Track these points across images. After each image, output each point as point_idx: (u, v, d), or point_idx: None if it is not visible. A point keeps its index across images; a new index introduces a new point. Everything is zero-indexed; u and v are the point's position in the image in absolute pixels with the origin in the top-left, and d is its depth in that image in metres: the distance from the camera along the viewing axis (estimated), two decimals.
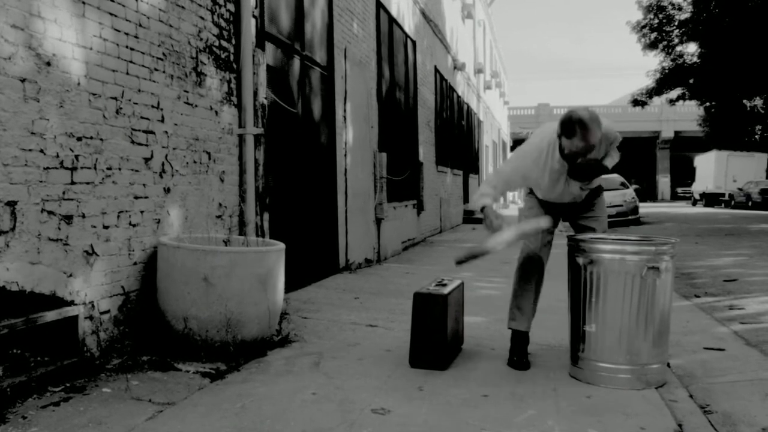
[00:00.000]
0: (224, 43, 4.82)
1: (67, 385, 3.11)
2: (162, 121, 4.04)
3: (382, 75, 9.36)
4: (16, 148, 2.95)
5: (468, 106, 20.21)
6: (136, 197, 3.79)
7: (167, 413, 2.85)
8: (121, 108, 3.66)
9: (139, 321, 3.81)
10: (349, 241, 7.66)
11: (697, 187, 37.02)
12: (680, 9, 22.36)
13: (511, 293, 3.84)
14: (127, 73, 3.72)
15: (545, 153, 3.50)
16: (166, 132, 4.08)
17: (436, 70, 14.31)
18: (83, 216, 3.36)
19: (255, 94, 5.12)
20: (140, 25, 3.84)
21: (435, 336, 3.58)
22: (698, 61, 22.76)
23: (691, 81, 23.53)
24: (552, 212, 3.80)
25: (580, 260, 3.39)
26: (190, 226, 4.31)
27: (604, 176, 3.75)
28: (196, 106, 4.41)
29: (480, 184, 23.09)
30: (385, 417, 2.84)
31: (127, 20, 3.72)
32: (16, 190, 2.95)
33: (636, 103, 25.07)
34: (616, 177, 19.83)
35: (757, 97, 26.08)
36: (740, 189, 30.10)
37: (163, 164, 4.04)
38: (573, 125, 3.24)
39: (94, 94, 3.44)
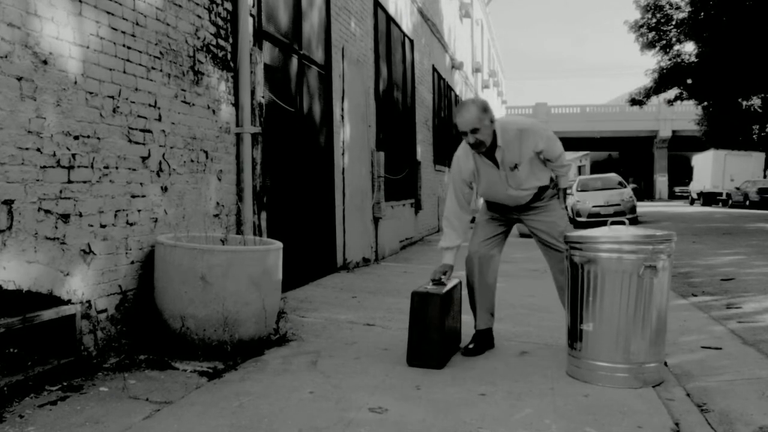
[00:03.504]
0: (222, 42, 4.81)
1: (64, 384, 3.11)
2: (159, 119, 4.03)
3: (379, 74, 9.36)
4: (12, 146, 2.95)
5: None
6: (133, 196, 3.78)
7: (164, 412, 2.85)
8: (118, 107, 3.65)
9: (137, 320, 3.81)
10: (346, 240, 7.66)
11: (695, 187, 37.03)
12: (678, 8, 22.36)
13: None
14: (124, 72, 3.72)
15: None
16: (164, 131, 4.07)
17: (434, 69, 14.31)
18: (80, 215, 3.36)
19: (252, 93, 5.12)
20: (137, 24, 3.83)
21: (432, 335, 3.58)
22: (696, 60, 22.78)
23: (689, 81, 23.56)
24: (502, 214, 3.99)
25: (577, 259, 3.39)
26: (188, 225, 4.31)
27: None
28: (193, 104, 4.41)
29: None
30: (383, 416, 2.84)
31: (124, 19, 3.71)
32: (13, 189, 2.95)
33: (634, 102, 25.13)
34: (614, 176, 19.87)
35: (755, 97, 26.10)
36: (738, 188, 30.13)
37: (160, 163, 4.04)
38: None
39: (91, 93, 3.44)
